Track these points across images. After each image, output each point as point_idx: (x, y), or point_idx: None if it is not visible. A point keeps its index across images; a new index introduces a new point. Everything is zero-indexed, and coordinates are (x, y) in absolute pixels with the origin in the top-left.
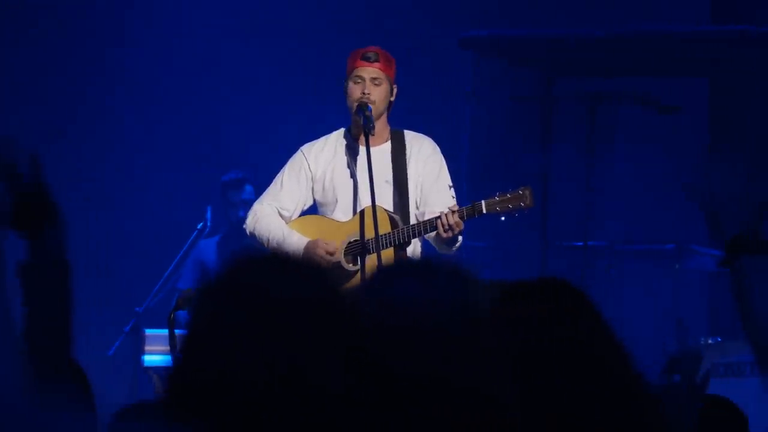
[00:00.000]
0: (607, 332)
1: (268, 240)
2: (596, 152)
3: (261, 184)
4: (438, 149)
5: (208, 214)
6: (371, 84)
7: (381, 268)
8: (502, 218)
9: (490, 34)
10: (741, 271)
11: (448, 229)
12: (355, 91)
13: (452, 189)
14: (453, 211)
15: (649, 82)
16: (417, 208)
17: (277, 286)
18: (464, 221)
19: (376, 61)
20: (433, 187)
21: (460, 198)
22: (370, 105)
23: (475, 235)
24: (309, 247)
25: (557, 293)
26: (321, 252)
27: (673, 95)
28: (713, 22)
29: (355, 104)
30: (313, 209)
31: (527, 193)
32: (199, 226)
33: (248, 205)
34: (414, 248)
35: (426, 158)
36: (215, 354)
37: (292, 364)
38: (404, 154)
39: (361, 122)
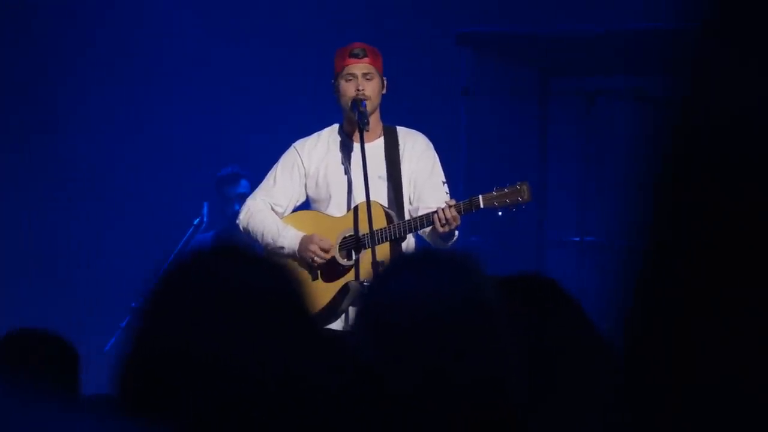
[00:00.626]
0: (585, 325)
1: (263, 235)
2: (593, 148)
3: (256, 179)
4: (431, 145)
5: (205, 210)
6: (364, 80)
7: (391, 261)
8: (500, 213)
9: (487, 31)
10: None
11: (445, 224)
12: (348, 89)
13: (446, 185)
14: (450, 206)
15: (646, 79)
16: (410, 203)
17: (235, 277)
18: (461, 216)
19: (365, 56)
20: (426, 183)
21: (458, 194)
22: (364, 100)
23: (470, 229)
24: (304, 242)
25: (534, 287)
26: (315, 248)
27: (669, 91)
28: None
29: (350, 101)
30: (305, 205)
31: (525, 187)
32: (195, 222)
33: (244, 199)
34: (407, 244)
35: (419, 154)
36: (165, 347)
37: (246, 357)
38: (397, 150)
39: (356, 118)
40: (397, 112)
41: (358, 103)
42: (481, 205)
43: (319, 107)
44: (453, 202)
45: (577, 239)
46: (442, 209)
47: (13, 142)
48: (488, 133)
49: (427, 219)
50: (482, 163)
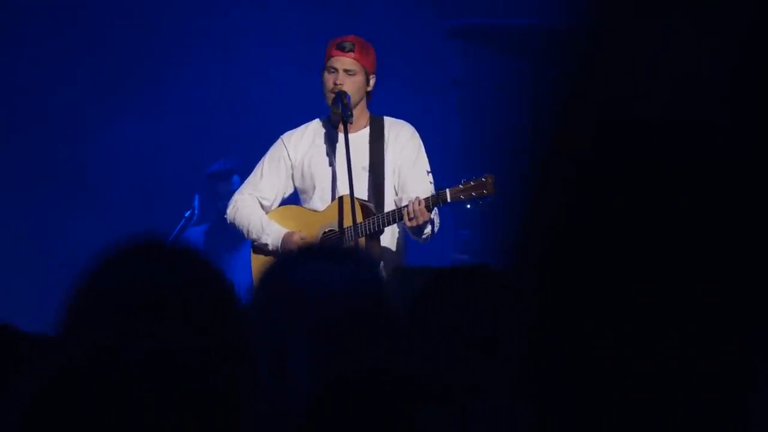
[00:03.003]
0: (531, 315)
1: (248, 231)
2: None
3: (248, 174)
4: (417, 135)
5: (196, 203)
6: (344, 75)
7: (279, 260)
8: (468, 206)
9: (477, 23)
10: None
11: (413, 218)
12: (327, 81)
13: (430, 174)
14: (419, 200)
15: None
16: (396, 194)
17: (154, 274)
18: (430, 210)
19: (351, 51)
20: (410, 172)
21: (448, 185)
22: (348, 94)
23: (464, 223)
24: (286, 240)
25: (480, 278)
26: (296, 247)
27: None
28: None
29: (331, 94)
30: (294, 196)
31: (489, 180)
32: (186, 215)
33: None
34: (393, 236)
35: (404, 143)
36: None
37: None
38: (382, 140)
39: (339, 111)
40: (389, 102)
41: (342, 96)
42: (449, 199)
43: (310, 100)
44: (422, 197)
45: None
46: (412, 203)
47: (7, 140)
48: (478, 124)
49: (399, 213)
50: (473, 155)
